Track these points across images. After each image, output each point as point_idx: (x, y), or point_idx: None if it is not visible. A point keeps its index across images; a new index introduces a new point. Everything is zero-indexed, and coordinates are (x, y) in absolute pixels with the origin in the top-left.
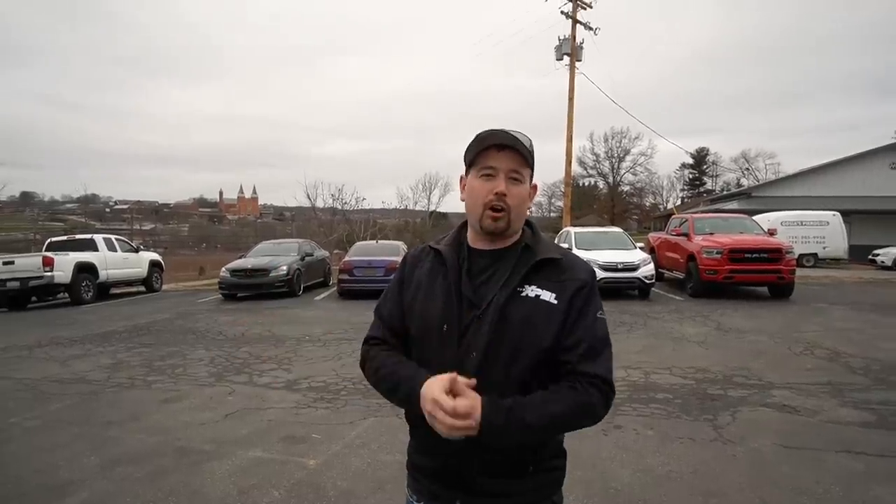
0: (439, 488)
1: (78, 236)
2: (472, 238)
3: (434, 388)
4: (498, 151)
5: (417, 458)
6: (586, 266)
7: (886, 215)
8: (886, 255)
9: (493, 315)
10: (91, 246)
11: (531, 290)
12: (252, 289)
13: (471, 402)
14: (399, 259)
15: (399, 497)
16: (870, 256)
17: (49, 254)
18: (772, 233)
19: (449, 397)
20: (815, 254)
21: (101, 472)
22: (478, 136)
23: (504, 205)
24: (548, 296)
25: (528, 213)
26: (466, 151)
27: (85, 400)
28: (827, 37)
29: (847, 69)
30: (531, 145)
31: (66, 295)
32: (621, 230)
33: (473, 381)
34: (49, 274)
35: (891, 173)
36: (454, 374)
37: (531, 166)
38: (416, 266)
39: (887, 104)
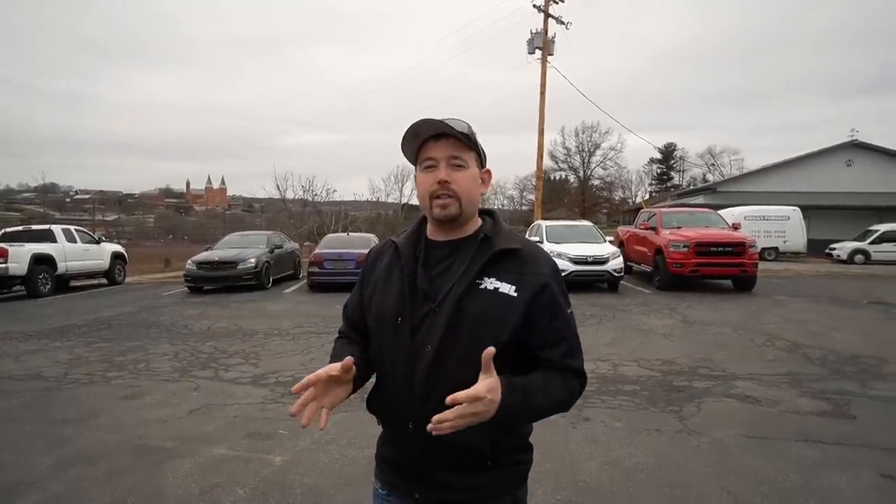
0: (399, 479)
1: (35, 227)
2: (430, 230)
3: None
4: (435, 142)
5: (382, 448)
6: (548, 259)
7: (842, 210)
8: (842, 249)
9: (449, 308)
10: (49, 237)
11: (490, 283)
12: (219, 281)
13: (490, 382)
14: None
15: (368, 493)
16: (826, 250)
17: (3, 245)
18: (736, 227)
19: None
20: (776, 248)
21: (55, 472)
22: (411, 130)
23: (449, 191)
24: (507, 288)
25: (500, 206)
26: (404, 148)
27: (39, 397)
28: (791, 38)
29: (810, 69)
30: (469, 129)
31: (22, 288)
32: (591, 224)
33: (350, 359)
34: (3, 266)
35: (847, 170)
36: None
37: (475, 150)
38: (377, 261)
39: (845, 103)
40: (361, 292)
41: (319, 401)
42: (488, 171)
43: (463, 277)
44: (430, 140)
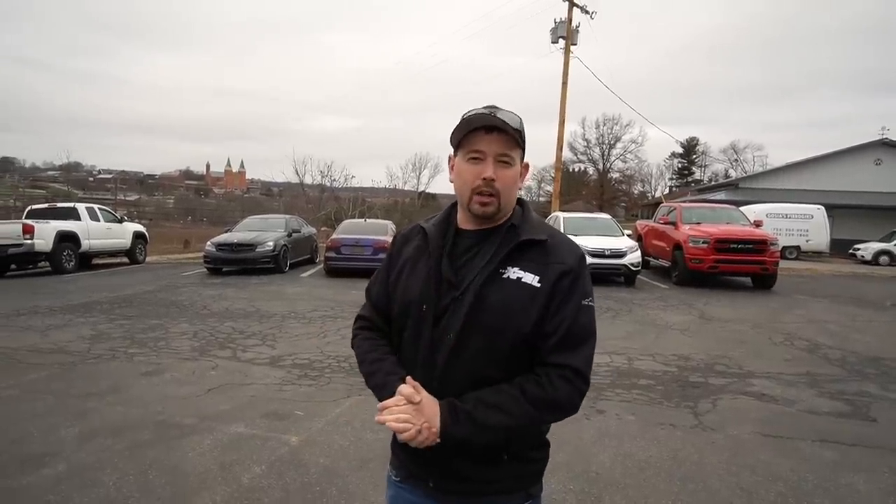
0: (414, 466)
1: (60, 205)
2: (461, 218)
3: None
4: (486, 134)
5: (397, 436)
6: (575, 249)
7: (869, 210)
8: (867, 249)
9: (471, 296)
10: (73, 215)
11: (513, 272)
12: (237, 263)
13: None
14: (387, 238)
15: (382, 475)
16: (850, 251)
17: (29, 221)
18: (758, 224)
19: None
20: (798, 246)
21: (78, 443)
22: (464, 118)
23: (492, 189)
24: (530, 278)
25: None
26: (453, 133)
27: (64, 370)
28: (822, 29)
29: (839, 64)
30: (521, 125)
31: (47, 264)
32: (609, 217)
33: (411, 384)
34: (29, 242)
35: (875, 169)
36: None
37: (522, 147)
38: (404, 245)
39: (876, 100)
40: (388, 275)
41: None
42: (526, 166)
43: (486, 266)
44: (480, 130)
